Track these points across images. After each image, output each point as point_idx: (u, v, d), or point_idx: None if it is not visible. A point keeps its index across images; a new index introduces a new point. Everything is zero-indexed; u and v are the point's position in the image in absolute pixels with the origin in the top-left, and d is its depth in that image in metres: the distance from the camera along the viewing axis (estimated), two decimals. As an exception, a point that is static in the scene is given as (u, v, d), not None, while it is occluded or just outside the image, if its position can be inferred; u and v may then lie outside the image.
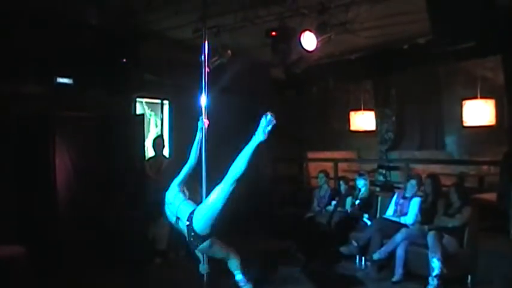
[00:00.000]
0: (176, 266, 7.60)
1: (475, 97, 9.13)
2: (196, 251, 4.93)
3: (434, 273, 6.34)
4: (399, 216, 7.50)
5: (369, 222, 7.91)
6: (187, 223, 4.74)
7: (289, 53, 7.34)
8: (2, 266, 5.61)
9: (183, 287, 6.47)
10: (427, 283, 6.35)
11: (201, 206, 4.78)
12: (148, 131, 10.04)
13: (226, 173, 4.48)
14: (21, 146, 7.00)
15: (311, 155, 11.58)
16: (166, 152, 8.95)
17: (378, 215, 8.04)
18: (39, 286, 5.95)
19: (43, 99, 7.45)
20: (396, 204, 7.73)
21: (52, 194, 7.00)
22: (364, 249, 7.43)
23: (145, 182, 7.89)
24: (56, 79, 7.66)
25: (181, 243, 8.21)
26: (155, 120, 10.47)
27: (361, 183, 8.39)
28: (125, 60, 8.09)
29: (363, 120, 11.33)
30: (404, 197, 7.65)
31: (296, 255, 8.10)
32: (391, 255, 6.93)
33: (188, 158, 5.32)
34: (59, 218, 7.04)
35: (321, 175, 9.12)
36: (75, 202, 7.15)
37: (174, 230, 8.10)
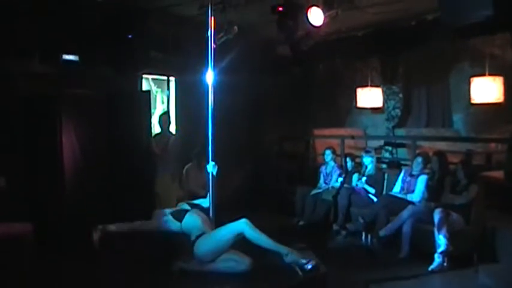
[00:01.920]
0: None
1: (483, 74, 9.05)
2: None
3: (440, 250, 6.35)
4: (406, 194, 7.51)
5: (375, 199, 7.92)
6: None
7: (296, 29, 7.29)
8: (11, 243, 5.65)
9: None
10: (433, 260, 6.38)
11: (207, 236, 4.77)
12: (155, 107, 10.03)
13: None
14: (27, 124, 7.00)
15: (317, 132, 11.54)
16: (172, 128, 8.95)
17: (384, 192, 8.05)
18: (47, 263, 5.98)
19: (49, 77, 7.43)
20: (403, 181, 7.73)
21: (59, 172, 7.01)
22: (371, 226, 7.44)
23: (151, 158, 7.89)
24: (61, 56, 7.63)
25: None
26: (161, 97, 10.46)
27: (367, 160, 8.39)
28: (130, 36, 8.05)
29: (369, 97, 11.26)
30: (411, 175, 7.64)
31: (302, 231, 8.14)
32: (398, 232, 6.95)
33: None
34: (66, 195, 7.06)
35: (328, 152, 9.11)
36: (81, 180, 7.16)
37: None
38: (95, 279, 5.10)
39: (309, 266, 4.38)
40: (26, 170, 7.00)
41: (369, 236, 7.51)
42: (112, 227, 5.07)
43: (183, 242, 4.91)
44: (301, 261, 4.39)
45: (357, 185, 8.38)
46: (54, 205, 6.97)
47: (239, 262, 4.57)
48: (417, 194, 7.36)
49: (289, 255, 4.45)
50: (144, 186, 7.70)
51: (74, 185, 7.10)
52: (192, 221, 4.90)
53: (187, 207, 5.24)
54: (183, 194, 8.24)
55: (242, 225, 4.59)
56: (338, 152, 9.67)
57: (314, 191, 8.81)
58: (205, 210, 5.24)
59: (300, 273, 4.30)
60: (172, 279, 4.62)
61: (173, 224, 4.98)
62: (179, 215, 5.01)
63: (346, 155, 9.22)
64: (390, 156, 10.66)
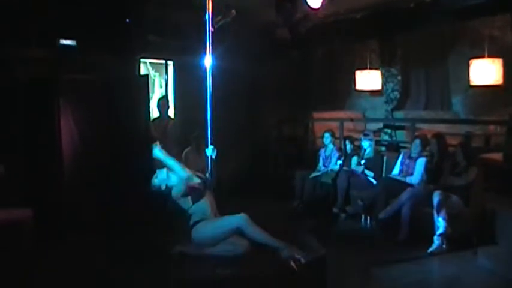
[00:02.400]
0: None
1: (483, 56, 9.03)
2: None
3: (439, 233, 6.38)
4: (405, 176, 7.51)
5: (374, 182, 7.92)
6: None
7: (294, 11, 7.25)
8: (10, 229, 5.67)
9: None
10: (432, 242, 6.40)
11: (206, 223, 4.78)
12: (153, 92, 10.00)
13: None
14: (25, 109, 6.98)
15: (316, 115, 11.52)
16: (171, 113, 8.93)
17: (383, 175, 8.06)
18: (46, 248, 5.99)
19: (46, 61, 7.40)
20: (402, 164, 7.74)
21: (57, 157, 7.00)
22: (370, 209, 7.46)
23: (150, 142, 7.87)
24: (59, 41, 7.59)
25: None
26: (160, 81, 10.42)
27: (366, 143, 8.38)
28: (128, 21, 8.01)
29: (368, 80, 11.24)
30: (410, 157, 7.64)
31: (301, 215, 8.16)
32: (397, 214, 6.96)
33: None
34: (65, 181, 7.06)
35: (327, 135, 9.09)
36: (80, 165, 7.15)
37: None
38: (93, 265, 5.15)
39: (303, 260, 4.37)
40: (25, 156, 6.99)
41: (368, 219, 7.54)
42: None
43: (182, 224, 4.92)
44: (297, 257, 4.39)
45: (356, 168, 8.37)
46: (53, 191, 6.97)
47: (237, 245, 4.59)
48: (416, 176, 7.36)
49: (286, 250, 4.45)
50: (143, 170, 7.70)
51: (72, 170, 7.09)
52: (203, 207, 4.90)
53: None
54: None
55: (240, 221, 4.64)
56: (337, 135, 9.66)
57: (313, 174, 8.81)
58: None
59: (296, 268, 4.29)
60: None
61: (185, 204, 4.96)
62: (195, 196, 4.97)
63: (345, 138, 9.21)
64: (389, 139, 10.66)
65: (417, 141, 7.61)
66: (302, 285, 4.38)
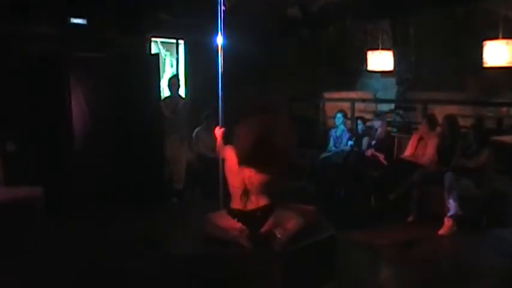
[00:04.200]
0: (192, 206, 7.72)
1: (497, 37, 8.91)
2: None
3: (449, 214, 6.37)
4: (416, 157, 7.47)
5: (385, 163, 7.89)
6: None
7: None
8: (21, 206, 5.71)
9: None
10: (442, 223, 6.39)
11: None
12: (164, 71, 9.99)
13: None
14: (36, 87, 7.00)
15: (327, 95, 11.47)
16: (182, 92, 8.92)
17: (394, 156, 8.03)
18: (56, 226, 6.05)
19: (57, 40, 7.40)
20: (413, 145, 7.69)
21: (68, 135, 7.03)
22: (380, 190, 7.44)
23: (161, 121, 7.88)
24: (69, 20, 7.58)
25: (196, 182, 8.36)
26: (170, 60, 10.41)
27: (378, 124, 8.34)
28: (138, -1, 7.99)
29: (380, 60, 11.12)
30: (421, 138, 7.59)
31: (312, 194, 8.16)
32: (407, 195, 6.95)
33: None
34: (75, 158, 7.09)
35: (339, 115, 9.02)
36: (91, 143, 7.18)
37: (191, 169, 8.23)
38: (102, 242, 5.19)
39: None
40: (36, 134, 7.02)
41: (379, 199, 7.53)
42: None
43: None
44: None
45: (367, 148, 8.34)
46: (64, 168, 7.01)
47: None
48: (427, 157, 7.32)
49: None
50: (154, 149, 7.73)
51: (83, 148, 7.13)
52: None
53: None
54: (192, 156, 8.29)
55: None
56: (348, 115, 9.62)
57: (324, 155, 8.79)
58: None
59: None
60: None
61: None
62: None
63: (356, 118, 9.17)
64: (401, 120, 10.61)
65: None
66: (313, 264, 4.38)
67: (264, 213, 4.26)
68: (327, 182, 8.45)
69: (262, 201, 4.30)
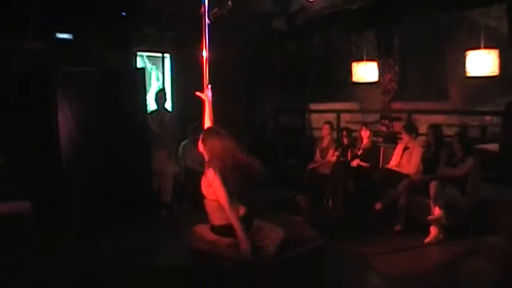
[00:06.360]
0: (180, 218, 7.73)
1: (479, 47, 9.03)
2: None
3: (433, 222, 6.42)
4: (401, 167, 7.53)
5: (371, 173, 7.94)
6: None
7: (291, 3, 7.25)
8: (10, 220, 5.70)
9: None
10: (429, 232, 6.44)
11: None
12: (150, 85, 10.00)
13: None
14: (23, 102, 6.99)
15: (313, 106, 11.54)
16: (168, 105, 8.94)
17: (380, 165, 8.08)
18: (45, 240, 6.03)
19: (43, 54, 7.41)
20: (398, 154, 7.75)
21: (56, 149, 7.03)
22: (367, 199, 7.48)
23: (147, 135, 7.90)
24: (55, 34, 7.60)
25: (184, 196, 8.36)
26: (156, 74, 10.42)
27: (363, 134, 8.40)
28: (124, 14, 8.01)
29: (365, 71, 11.21)
30: (406, 148, 7.65)
31: (299, 205, 8.19)
32: (394, 204, 7.01)
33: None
34: (63, 172, 7.09)
35: (326, 126, 9.07)
36: (78, 156, 7.18)
37: (178, 182, 8.24)
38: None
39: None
40: (24, 148, 7.02)
41: (366, 209, 7.56)
42: None
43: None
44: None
45: (353, 159, 8.39)
46: (52, 182, 7.00)
47: None
48: (413, 166, 7.39)
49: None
50: (141, 162, 7.74)
51: (70, 162, 7.12)
52: None
53: None
54: (179, 169, 8.31)
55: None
56: (334, 126, 9.67)
57: (310, 166, 8.83)
58: None
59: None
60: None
61: None
62: None
63: (342, 129, 9.22)
64: (386, 130, 10.67)
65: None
66: (302, 274, 4.41)
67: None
68: (314, 192, 8.48)
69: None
